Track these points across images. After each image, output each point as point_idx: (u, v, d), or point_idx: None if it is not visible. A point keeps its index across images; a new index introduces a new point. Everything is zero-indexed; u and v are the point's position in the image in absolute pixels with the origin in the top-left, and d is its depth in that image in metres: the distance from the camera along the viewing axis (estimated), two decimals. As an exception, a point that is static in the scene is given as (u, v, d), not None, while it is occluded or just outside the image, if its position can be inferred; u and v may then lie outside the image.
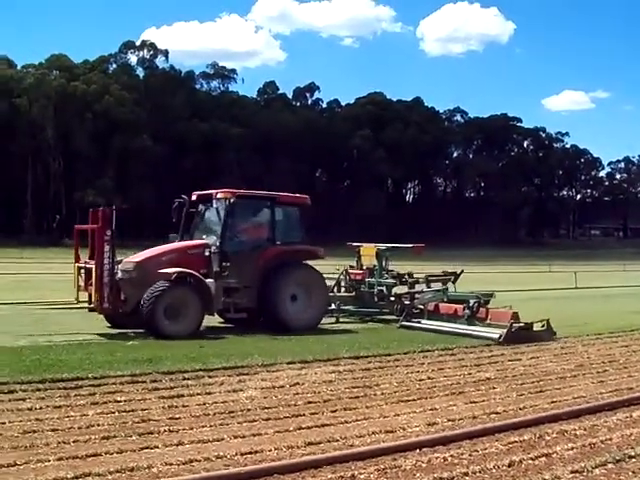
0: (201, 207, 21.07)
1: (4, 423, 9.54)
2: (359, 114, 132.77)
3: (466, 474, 7.83)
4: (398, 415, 10.46)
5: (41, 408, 10.40)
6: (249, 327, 19.56)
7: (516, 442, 9.08)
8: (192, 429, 9.56)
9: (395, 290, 23.68)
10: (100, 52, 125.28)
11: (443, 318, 20.39)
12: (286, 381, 12.85)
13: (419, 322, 20.47)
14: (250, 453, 8.51)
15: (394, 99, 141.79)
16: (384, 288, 23.30)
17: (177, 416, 10.21)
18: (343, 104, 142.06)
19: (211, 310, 19.05)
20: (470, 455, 8.50)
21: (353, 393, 12.01)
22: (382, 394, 11.95)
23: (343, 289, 24.13)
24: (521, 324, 18.03)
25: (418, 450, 8.59)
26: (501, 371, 14.27)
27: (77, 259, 19.69)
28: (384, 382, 12.90)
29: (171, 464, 8.03)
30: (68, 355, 14.74)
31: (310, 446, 8.79)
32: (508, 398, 11.79)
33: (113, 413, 10.26)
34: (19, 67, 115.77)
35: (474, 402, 11.44)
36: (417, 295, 22.32)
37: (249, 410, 10.73)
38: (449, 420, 10.15)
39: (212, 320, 20.02)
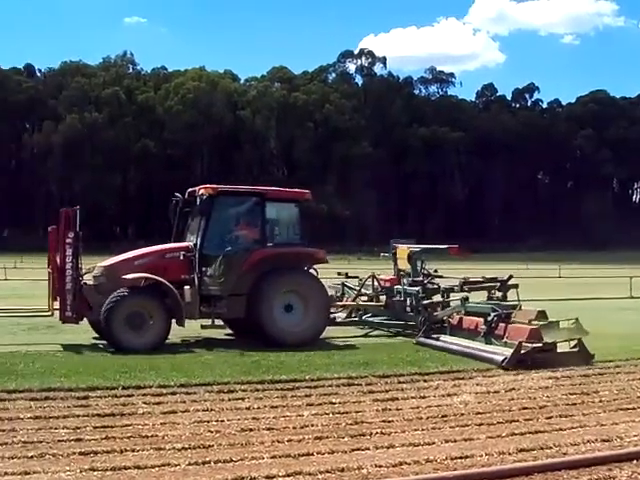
0: (195, 206, 18.38)
1: (223, 421, 9.92)
2: (581, 113, 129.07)
3: (687, 488, 7.43)
4: (616, 424, 10.04)
5: (258, 408, 10.75)
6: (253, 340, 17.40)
7: None
8: (404, 432, 9.58)
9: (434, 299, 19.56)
10: (319, 62, 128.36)
11: (464, 334, 16.96)
12: (502, 386, 12.63)
13: (437, 339, 17.27)
14: (460, 458, 8.42)
15: (617, 96, 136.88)
16: (412, 297, 19.55)
17: (390, 419, 10.24)
18: (564, 104, 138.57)
19: (180, 321, 16.77)
20: (693, 468, 8.05)
21: (570, 400, 11.63)
22: (600, 401, 11.51)
23: (367, 297, 21.05)
24: (537, 344, 14.66)
25: (635, 461, 8.20)
26: None
27: (50, 263, 17.58)
28: (603, 389, 12.41)
29: (381, 466, 8.07)
30: (288, 357, 15.18)
31: (522, 453, 8.58)
32: None
33: (327, 414, 10.44)
34: (242, 81, 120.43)
35: (702, 412, 10.84)
36: (452, 305, 18.43)
37: (462, 415, 10.63)
38: (672, 430, 9.65)
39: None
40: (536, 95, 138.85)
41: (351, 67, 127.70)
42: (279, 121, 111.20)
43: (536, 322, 17.02)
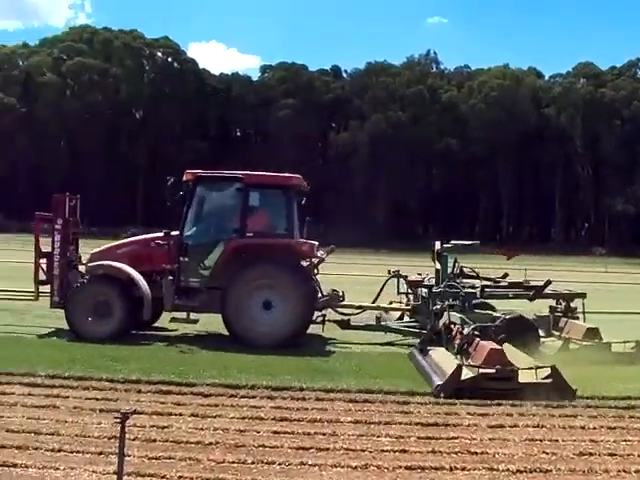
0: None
1: (557, 441, 8.99)
2: None
3: None
4: None
5: (594, 428, 9.64)
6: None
7: None
8: None
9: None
10: (627, 57, 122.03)
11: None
12: None
13: (426, 352, 14.15)
14: None
15: None
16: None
17: None
18: None
19: (145, 313, 15.86)
20: None
21: None
22: None
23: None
24: (488, 370, 11.45)
25: None
26: None
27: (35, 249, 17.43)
28: None
29: None
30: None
31: None
32: None
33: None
34: (547, 77, 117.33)
35: None
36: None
37: None
38: None
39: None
40: None
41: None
42: (585, 118, 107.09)
43: (579, 341, 15.18)
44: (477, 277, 18.55)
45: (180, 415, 9.56)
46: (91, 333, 15.46)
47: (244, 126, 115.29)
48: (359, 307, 17.89)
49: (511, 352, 12.86)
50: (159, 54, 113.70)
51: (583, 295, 17.25)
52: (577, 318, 16.82)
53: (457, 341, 13.57)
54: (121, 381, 11.29)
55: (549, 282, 17.47)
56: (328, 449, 8.37)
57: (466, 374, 11.48)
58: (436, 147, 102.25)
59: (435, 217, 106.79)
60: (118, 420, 5.98)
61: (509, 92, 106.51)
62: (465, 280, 17.94)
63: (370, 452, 8.32)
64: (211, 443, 8.39)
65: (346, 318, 17.49)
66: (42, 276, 16.92)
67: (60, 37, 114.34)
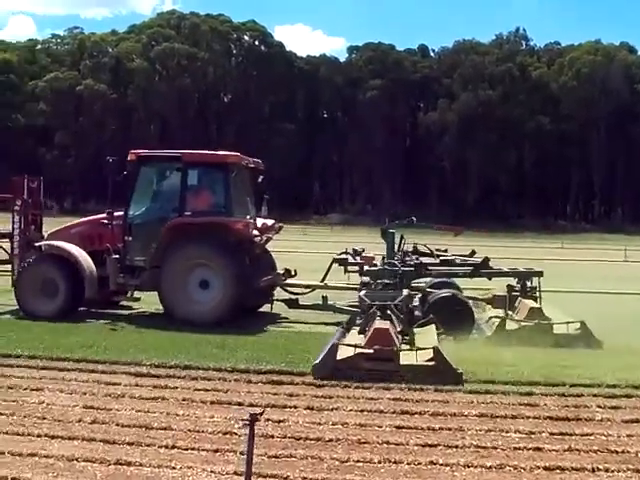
0: None
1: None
2: None
3: None
4: None
5: None
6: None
7: None
8: None
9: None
10: None
11: None
12: None
13: (349, 331, 13.49)
14: None
15: None
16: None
17: None
18: None
19: (88, 292, 16.09)
20: None
21: None
22: None
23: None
24: (366, 351, 10.91)
25: None
26: None
27: None
28: None
29: None
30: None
31: None
32: None
33: None
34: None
35: None
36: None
37: None
38: None
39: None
40: None
41: None
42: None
43: (519, 321, 14.50)
44: (431, 254, 18.34)
45: (295, 408, 9.14)
46: (38, 311, 15.81)
47: (332, 108, 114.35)
48: (307, 286, 17.98)
49: (424, 333, 12.68)
50: (246, 37, 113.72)
51: (540, 273, 16.55)
52: (535, 298, 16.14)
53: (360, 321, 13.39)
54: (229, 370, 10.92)
55: (487, 259, 17.12)
56: (457, 446, 7.81)
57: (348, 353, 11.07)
58: (527, 125, 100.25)
59: (527, 197, 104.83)
60: (247, 422, 5.52)
61: (601, 68, 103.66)
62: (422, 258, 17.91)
63: (502, 450, 7.74)
64: (332, 439, 7.93)
65: (294, 297, 17.47)
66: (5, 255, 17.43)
67: (148, 23, 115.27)
